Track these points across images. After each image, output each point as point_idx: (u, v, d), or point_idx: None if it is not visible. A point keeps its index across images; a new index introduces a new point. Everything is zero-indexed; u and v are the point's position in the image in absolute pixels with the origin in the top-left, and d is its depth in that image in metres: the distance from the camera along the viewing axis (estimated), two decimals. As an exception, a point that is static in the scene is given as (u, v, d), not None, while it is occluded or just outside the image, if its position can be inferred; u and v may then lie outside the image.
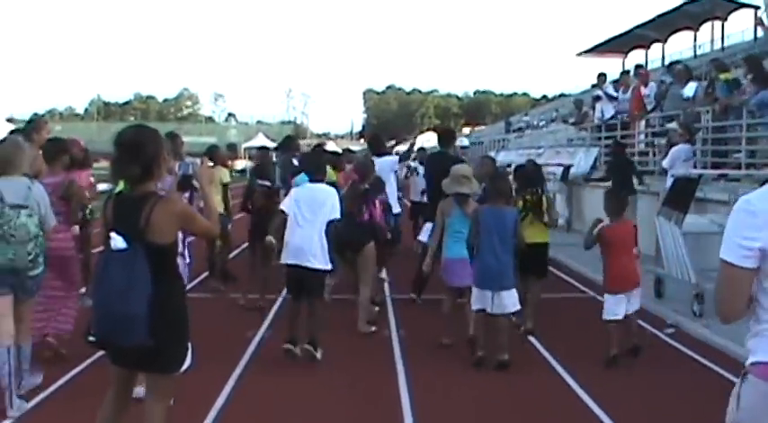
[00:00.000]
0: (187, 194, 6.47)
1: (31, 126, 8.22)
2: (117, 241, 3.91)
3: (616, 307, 7.21)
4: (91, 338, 4.01)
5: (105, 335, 3.92)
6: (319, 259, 7.12)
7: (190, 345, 4.14)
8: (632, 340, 7.30)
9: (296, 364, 7.02)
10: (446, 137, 10.36)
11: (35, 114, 24.68)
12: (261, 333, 8.18)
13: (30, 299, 5.83)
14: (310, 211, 7.18)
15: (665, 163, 11.51)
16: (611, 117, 18.57)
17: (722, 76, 13.20)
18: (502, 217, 7.18)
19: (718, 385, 6.29)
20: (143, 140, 4.04)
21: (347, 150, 16.21)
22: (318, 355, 7.08)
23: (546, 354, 7.55)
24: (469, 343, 7.27)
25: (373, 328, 8.37)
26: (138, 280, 3.81)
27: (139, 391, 4.53)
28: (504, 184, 7.60)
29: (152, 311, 3.80)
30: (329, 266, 7.29)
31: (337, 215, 7.31)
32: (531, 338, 8.04)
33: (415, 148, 15.56)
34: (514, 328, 7.83)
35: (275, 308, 9.26)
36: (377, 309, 9.06)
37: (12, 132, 7.68)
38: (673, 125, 12.64)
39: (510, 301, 7.13)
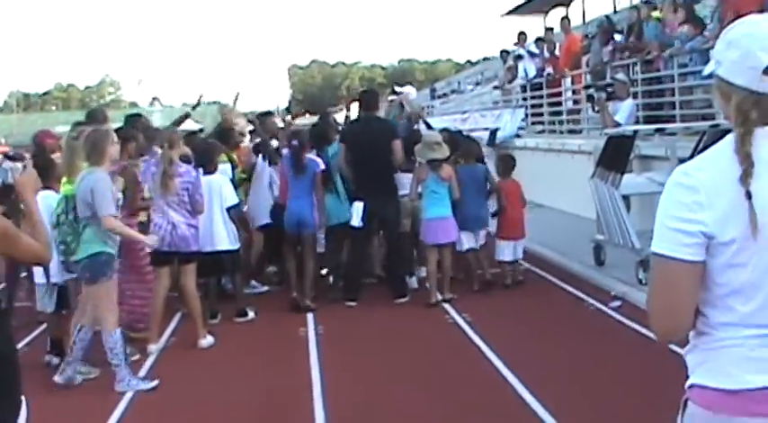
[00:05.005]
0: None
1: (94, 118, 7.95)
2: None
3: (507, 250, 8.77)
4: None
5: None
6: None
7: (23, 398, 3.09)
8: (518, 277, 8.94)
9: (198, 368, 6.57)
10: (370, 99, 9.13)
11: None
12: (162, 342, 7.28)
13: (83, 284, 6.06)
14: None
15: (619, 118, 10.59)
16: (535, 76, 17.97)
17: (654, 15, 12.55)
18: (474, 172, 8.72)
19: (671, 361, 5.66)
20: None
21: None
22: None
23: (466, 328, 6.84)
24: (466, 276, 8.89)
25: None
26: None
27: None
28: (475, 146, 9.32)
29: None
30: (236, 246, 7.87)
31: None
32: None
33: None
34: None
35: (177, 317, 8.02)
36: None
37: (77, 124, 7.43)
38: (621, 76, 11.80)
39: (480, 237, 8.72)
